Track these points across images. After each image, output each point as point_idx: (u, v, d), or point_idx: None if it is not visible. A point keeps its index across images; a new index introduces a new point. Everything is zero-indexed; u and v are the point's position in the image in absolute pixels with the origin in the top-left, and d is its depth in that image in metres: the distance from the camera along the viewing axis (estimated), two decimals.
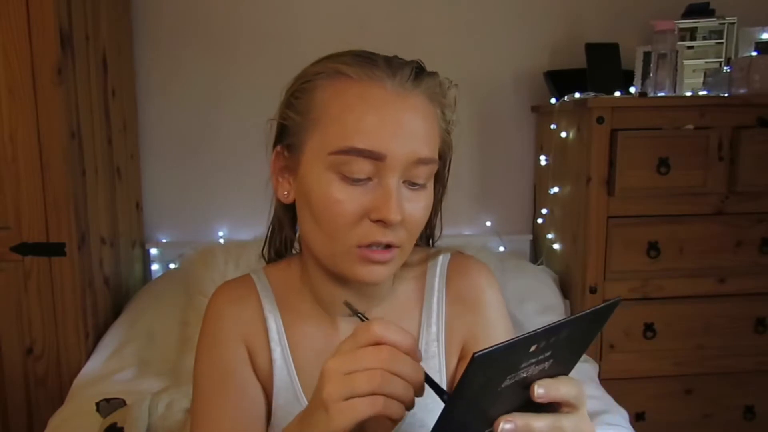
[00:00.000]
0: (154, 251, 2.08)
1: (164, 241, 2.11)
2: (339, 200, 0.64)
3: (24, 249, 1.52)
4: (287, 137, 0.71)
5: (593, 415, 1.37)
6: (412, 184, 0.67)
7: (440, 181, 0.76)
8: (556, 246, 1.99)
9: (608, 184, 1.73)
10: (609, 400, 1.48)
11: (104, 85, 1.74)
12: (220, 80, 2.05)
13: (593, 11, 2.13)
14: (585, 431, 0.56)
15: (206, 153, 2.07)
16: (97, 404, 1.29)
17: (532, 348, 0.49)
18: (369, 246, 0.65)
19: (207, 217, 2.10)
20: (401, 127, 0.65)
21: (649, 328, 1.79)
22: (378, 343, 0.54)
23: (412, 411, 0.56)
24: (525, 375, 0.51)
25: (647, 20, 1.92)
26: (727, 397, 1.86)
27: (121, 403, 1.30)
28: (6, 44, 1.44)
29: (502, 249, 2.13)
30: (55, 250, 1.52)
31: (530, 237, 2.20)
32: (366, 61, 0.67)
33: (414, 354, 0.55)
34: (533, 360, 0.50)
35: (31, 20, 1.44)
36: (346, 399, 0.53)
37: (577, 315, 0.51)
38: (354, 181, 0.64)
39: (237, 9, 2.03)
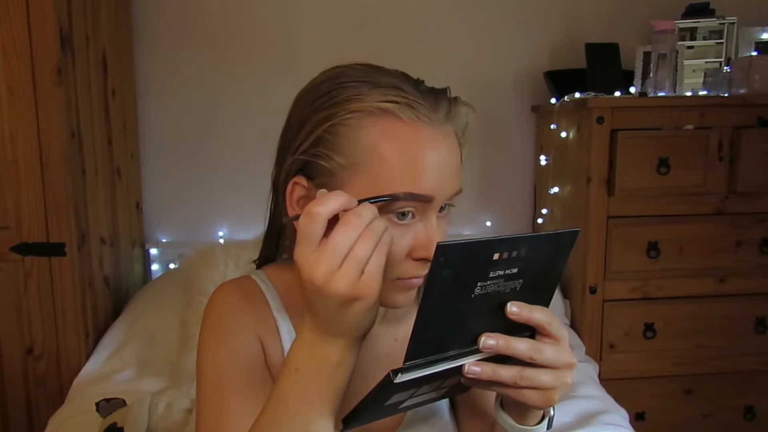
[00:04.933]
0: (154, 251, 2.08)
1: (164, 241, 2.11)
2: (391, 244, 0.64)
3: (24, 249, 1.52)
4: (318, 174, 0.67)
5: (593, 415, 1.37)
6: (439, 211, 0.67)
7: None
8: None
9: (608, 184, 1.73)
10: (609, 400, 1.48)
11: (104, 85, 1.74)
12: (220, 80, 2.05)
13: (593, 11, 2.13)
14: (567, 361, 0.57)
15: (206, 153, 2.07)
16: (97, 404, 1.29)
17: (495, 256, 0.51)
18: (409, 278, 0.66)
19: (207, 217, 2.10)
20: (445, 166, 0.65)
21: (649, 328, 1.79)
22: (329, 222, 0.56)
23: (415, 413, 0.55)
24: (497, 289, 0.54)
25: (647, 20, 1.92)
26: (727, 397, 1.86)
27: (121, 403, 1.30)
28: (6, 44, 1.44)
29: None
30: (55, 250, 1.52)
31: None
32: (403, 93, 0.64)
33: (352, 199, 0.57)
34: (500, 272, 0.53)
35: (31, 20, 1.43)
36: (362, 273, 0.55)
37: (534, 233, 0.55)
38: (399, 223, 0.64)
39: (237, 9, 2.03)
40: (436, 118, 0.65)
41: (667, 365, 1.82)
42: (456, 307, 0.53)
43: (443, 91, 0.68)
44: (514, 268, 0.54)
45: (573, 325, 1.85)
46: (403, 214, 0.64)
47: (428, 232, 0.64)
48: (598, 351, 1.79)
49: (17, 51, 1.44)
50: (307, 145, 0.68)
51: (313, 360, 0.59)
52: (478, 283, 0.52)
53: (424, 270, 0.66)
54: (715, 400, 1.86)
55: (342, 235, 0.54)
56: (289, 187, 0.69)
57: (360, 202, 0.58)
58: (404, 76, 0.68)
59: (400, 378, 0.52)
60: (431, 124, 0.64)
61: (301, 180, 0.68)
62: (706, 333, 1.81)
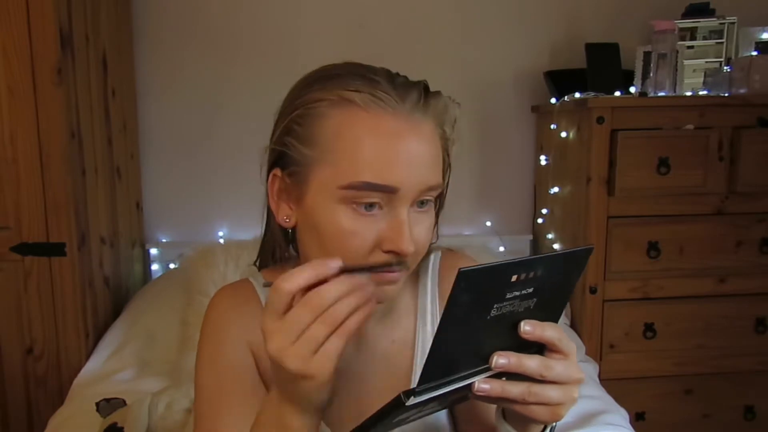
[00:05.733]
0: (154, 251, 2.08)
1: (164, 241, 2.11)
2: (353, 233, 0.63)
3: (24, 249, 1.52)
4: (289, 164, 0.68)
5: (593, 415, 1.37)
6: (418, 206, 0.67)
7: (439, 197, 0.75)
8: (556, 246, 1.99)
9: (608, 184, 1.73)
10: (609, 400, 1.48)
11: (104, 85, 1.74)
12: (221, 80, 2.05)
13: (593, 11, 2.13)
14: (575, 376, 0.57)
15: (206, 153, 2.07)
16: (97, 404, 1.29)
17: (513, 278, 0.51)
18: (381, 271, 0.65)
19: (207, 217, 2.10)
20: (413, 158, 0.64)
21: (649, 328, 1.79)
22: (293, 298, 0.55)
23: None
24: (512, 309, 0.54)
25: (647, 20, 1.92)
26: (727, 397, 1.86)
27: (121, 403, 1.30)
28: (6, 44, 1.44)
29: (502, 249, 2.12)
30: (55, 250, 1.52)
31: (530, 237, 2.20)
32: (371, 84, 0.64)
33: (327, 269, 0.56)
34: (517, 293, 0.53)
35: (31, 20, 1.43)
36: (315, 353, 0.54)
37: (551, 253, 0.54)
38: (366, 213, 0.64)
39: (237, 8, 2.03)
40: (402, 109, 0.64)
41: (667, 365, 1.82)
42: (471, 329, 0.52)
43: (416, 84, 0.67)
44: (529, 288, 0.53)
45: (573, 325, 1.85)
46: (370, 205, 0.63)
47: (395, 225, 0.63)
48: (598, 351, 1.79)
49: (17, 51, 1.44)
50: (278, 135, 0.69)
51: (272, 420, 0.61)
52: (495, 305, 0.52)
53: (395, 262, 0.65)
54: (715, 400, 1.86)
55: (298, 315, 0.54)
56: (269, 180, 0.70)
57: (344, 270, 0.57)
58: (383, 71, 0.68)
59: (413, 401, 0.52)
60: (395, 115, 0.63)
61: (278, 172, 0.69)
62: (706, 333, 1.81)
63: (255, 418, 0.63)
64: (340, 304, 0.55)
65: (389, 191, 0.63)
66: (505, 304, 0.53)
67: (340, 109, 0.64)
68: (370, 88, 0.64)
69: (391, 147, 0.63)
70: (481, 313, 0.52)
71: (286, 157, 0.68)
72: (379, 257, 0.65)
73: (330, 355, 0.55)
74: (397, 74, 0.68)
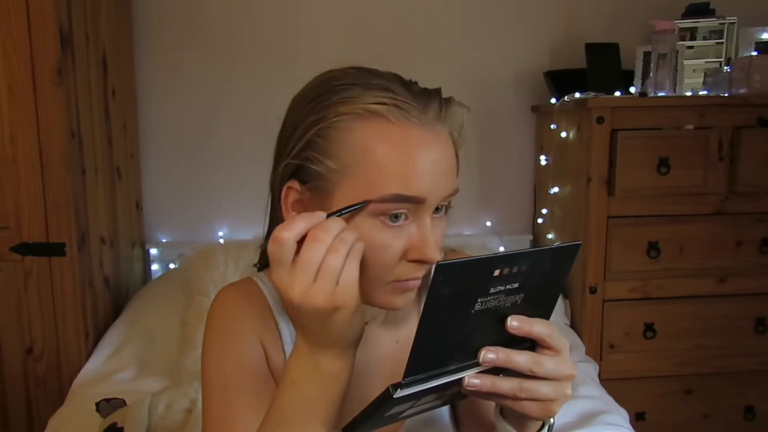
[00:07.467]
0: (154, 251, 2.08)
1: (164, 241, 2.11)
2: (384, 246, 0.64)
3: (24, 249, 1.52)
4: (310, 179, 0.67)
5: (593, 415, 1.37)
6: (435, 212, 0.67)
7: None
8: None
9: (608, 184, 1.73)
10: (609, 400, 1.48)
11: (104, 85, 1.74)
12: (221, 80, 2.05)
13: (593, 11, 2.13)
14: (567, 373, 0.57)
15: (206, 153, 2.07)
16: (97, 404, 1.29)
17: (496, 272, 0.51)
18: (406, 280, 0.66)
19: (207, 217, 2.10)
20: (438, 168, 0.64)
21: (649, 328, 1.79)
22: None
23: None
24: (497, 304, 0.54)
25: (647, 20, 1.92)
26: (727, 397, 1.86)
27: (121, 403, 1.30)
28: (6, 44, 1.44)
29: (502, 249, 2.13)
30: (55, 250, 1.52)
31: (530, 237, 2.20)
32: (392, 94, 0.64)
33: (318, 217, 0.58)
34: (501, 288, 0.53)
35: (31, 20, 1.44)
36: (337, 284, 0.56)
37: (535, 249, 0.54)
38: (393, 225, 0.64)
39: (237, 9, 2.03)
40: (426, 119, 0.64)
41: (667, 365, 1.82)
42: (456, 323, 0.52)
43: (435, 92, 0.67)
44: (515, 282, 0.53)
45: (573, 325, 1.85)
46: (396, 216, 0.63)
47: (422, 234, 0.64)
48: (598, 351, 1.79)
49: (17, 51, 1.44)
50: (298, 149, 0.68)
51: (308, 372, 0.60)
52: (479, 299, 0.52)
53: (420, 271, 0.66)
54: (715, 400, 1.86)
55: (311, 251, 0.55)
56: (283, 192, 0.69)
57: (329, 215, 0.59)
58: (396, 78, 0.68)
59: (400, 393, 0.52)
60: (421, 125, 0.64)
61: (295, 184, 0.68)
62: (706, 333, 1.81)
63: (283, 376, 0.62)
64: (345, 233, 0.57)
65: (417, 202, 0.63)
66: (489, 298, 0.53)
67: (366, 121, 0.64)
68: (393, 99, 0.64)
69: (418, 157, 0.63)
70: (465, 308, 0.52)
71: (306, 171, 0.67)
72: (404, 267, 0.65)
73: (350, 281, 0.56)
74: (410, 81, 0.68)
